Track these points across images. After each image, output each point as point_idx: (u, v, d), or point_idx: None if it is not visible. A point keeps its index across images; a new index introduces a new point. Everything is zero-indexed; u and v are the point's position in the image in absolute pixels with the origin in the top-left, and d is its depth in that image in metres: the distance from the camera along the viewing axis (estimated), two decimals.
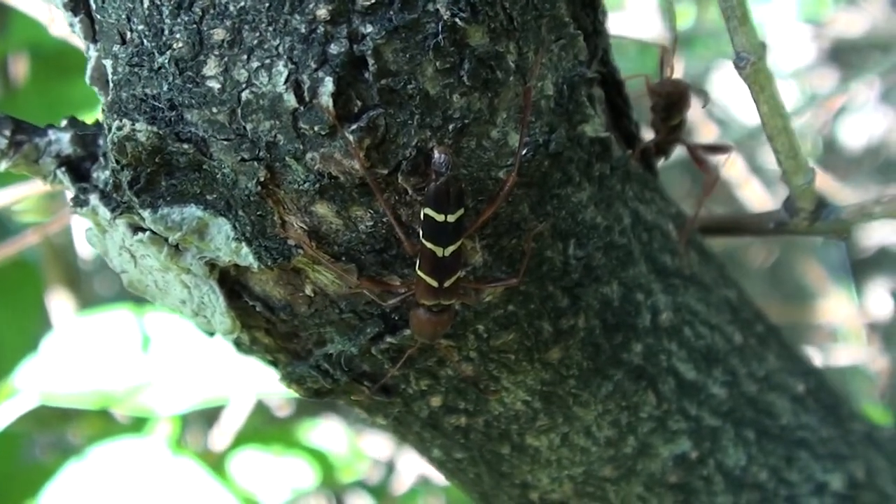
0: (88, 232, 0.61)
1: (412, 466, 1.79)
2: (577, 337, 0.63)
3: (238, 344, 0.64)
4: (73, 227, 1.65)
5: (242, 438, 1.53)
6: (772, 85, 0.59)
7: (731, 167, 1.67)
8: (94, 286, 2.31)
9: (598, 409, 0.66)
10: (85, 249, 1.73)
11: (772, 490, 0.73)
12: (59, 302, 1.60)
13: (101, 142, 0.60)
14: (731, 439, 0.70)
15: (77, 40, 0.57)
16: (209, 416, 1.68)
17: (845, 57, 2.65)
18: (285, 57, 0.48)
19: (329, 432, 1.58)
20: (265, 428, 1.73)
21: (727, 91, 2.39)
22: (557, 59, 0.56)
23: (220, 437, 1.51)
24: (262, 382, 1.38)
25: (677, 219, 0.70)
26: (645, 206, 0.66)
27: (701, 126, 1.75)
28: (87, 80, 0.56)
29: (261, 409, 1.85)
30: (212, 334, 0.65)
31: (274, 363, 0.65)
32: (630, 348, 0.65)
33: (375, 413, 0.67)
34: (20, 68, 1.49)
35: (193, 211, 0.55)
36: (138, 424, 1.40)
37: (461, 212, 0.52)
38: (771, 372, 0.73)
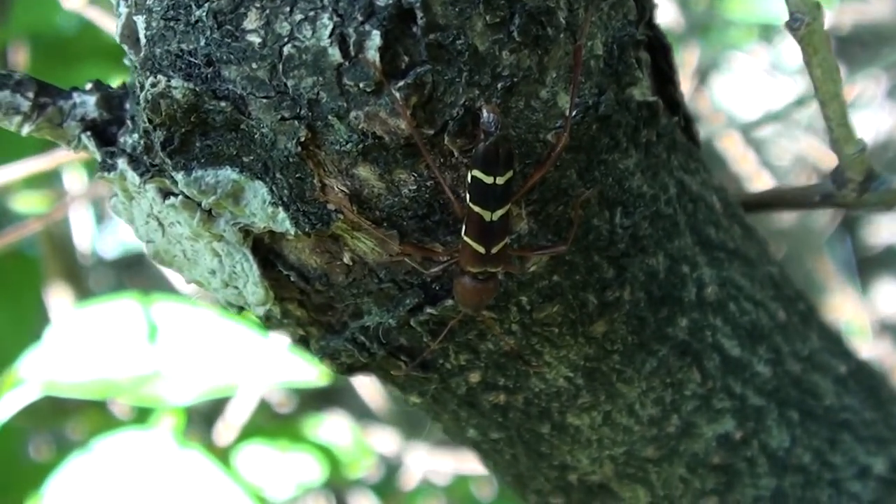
0: (114, 199, 0.59)
1: (419, 463, 1.78)
2: (622, 310, 0.61)
3: (268, 318, 0.62)
4: (73, 220, 1.63)
5: (247, 433, 1.51)
6: (826, 47, 0.58)
7: (743, 161, 1.67)
8: (90, 283, 2.29)
9: (642, 386, 0.64)
10: (84, 243, 1.70)
11: (815, 473, 0.72)
12: (58, 296, 1.58)
13: (127, 105, 0.58)
14: (775, 420, 0.69)
15: (90, 13, 0.56)
16: (211, 412, 1.66)
17: (851, 52, 2.65)
18: (330, 9, 0.47)
19: (334, 427, 1.56)
20: (269, 424, 1.71)
21: (734, 85, 2.39)
22: (607, 17, 0.55)
23: (224, 432, 1.49)
24: (268, 375, 1.37)
25: (720, 191, 0.69)
26: (690, 176, 0.65)
27: (711, 116, 1.74)
28: (117, 38, 0.54)
29: (262, 407, 1.83)
30: (241, 309, 0.63)
31: (304, 339, 0.64)
32: (675, 323, 0.64)
33: (410, 390, 0.65)
34: (20, 57, 1.47)
35: (228, 174, 0.53)
36: (142, 417, 1.38)
37: (510, 174, 0.51)
38: (814, 351, 0.72)
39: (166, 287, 1.53)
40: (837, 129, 0.61)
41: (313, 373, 1.42)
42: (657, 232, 0.62)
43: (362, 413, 1.82)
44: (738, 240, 0.69)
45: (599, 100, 0.55)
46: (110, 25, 1.11)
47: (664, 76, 0.64)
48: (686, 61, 1.70)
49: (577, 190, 0.56)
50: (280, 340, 1.38)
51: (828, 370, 0.73)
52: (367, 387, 1.77)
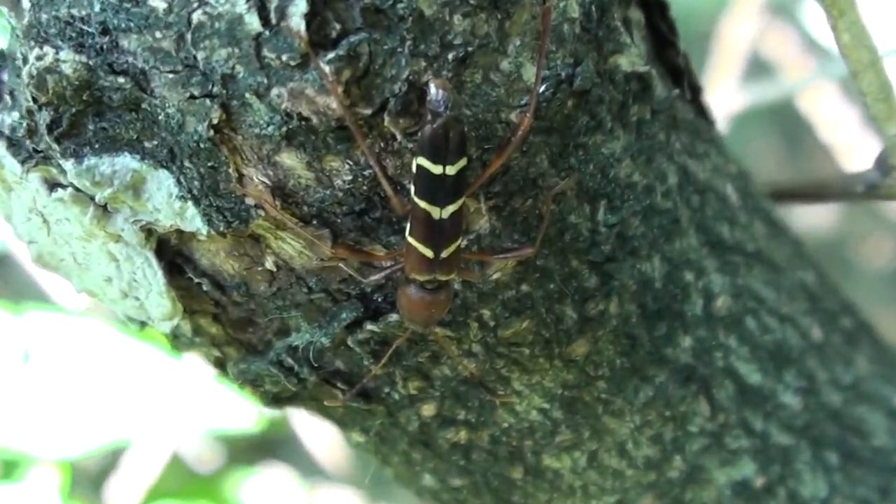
0: None
1: None
2: (608, 326, 0.71)
3: (176, 336, 0.73)
4: None
5: (153, 496, 1.61)
6: (853, 8, 0.68)
7: (838, 125, 1.76)
8: None
9: (636, 420, 0.74)
10: None
11: None
12: None
13: (5, 77, 0.67)
14: (807, 463, 0.79)
15: None
16: (103, 468, 1.76)
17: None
18: None
19: (271, 484, 1.67)
20: (184, 485, 1.81)
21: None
22: None
23: (121, 494, 1.58)
24: (184, 418, 1.47)
25: (739, 179, 0.79)
26: (696, 161, 0.75)
27: (792, 63, 1.84)
28: None
29: (175, 463, 1.93)
30: (143, 325, 0.73)
31: (221, 362, 0.74)
32: (676, 342, 0.74)
33: (351, 426, 0.75)
34: None
35: (128, 161, 0.62)
36: (8, 470, 1.48)
37: (463, 162, 0.59)
38: (861, 379, 0.82)
39: (40, 295, 1.61)
40: (874, 106, 0.71)
41: (246, 413, 1.53)
42: (652, 231, 0.71)
43: (311, 470, 1.93)
44: (760, 240, 0.79)
45: (574, 71, 0.63)
46: None
47: (662, 38, 0.74)
48: None
49: (550, 180, 0.65)
50: (199, 366, 1.48)
51: (879, 402, 0.84)
52: (318, 436, 1.87)
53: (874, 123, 0.73)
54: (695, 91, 0.76)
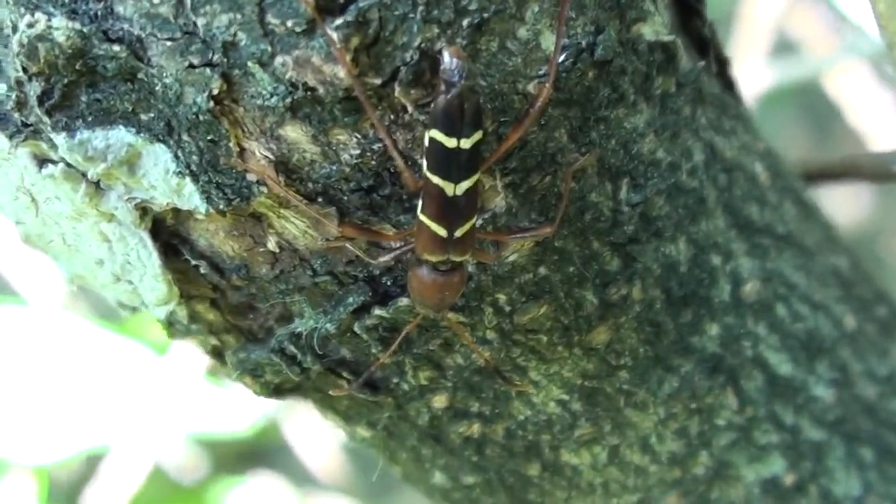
0: None
1: None
2: (630, 313, 0.73)
3: (171, 323, 0.74)
4: None
5: None
6: None
7: (868, 107, 1.77)
8: None
9: (659, 413, 0.76)
10: None
11: None
12: None
13: None
14: (840, 459, 0.81)
15: None
16: (80, 477, 1.77)
17: None
18: None
19: (260, 493, 1.68)
20: (167, 496, 1.83)
21: None
22: None
23: (101, 502, 1.59)
24: (168, 421, 1.48)
25: (769, 158, 0.81)
26: (723, 138, 0.76)
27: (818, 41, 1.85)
28: None
29: (158, 472, 1.94)
30: (135, 311, 0.75)
31: (219, 351, 0.75)
32: (703, 330, 0.75)
33: (357, 420, 0.76)
34: None
35: (122, 135, 0.63)
36: None
37: (478, 136, 0.60)
38: None
39: (9, 290, 1.62)
40: None
41: (235, 417, 1.54)
42: (677, 211, 0.73)
43: (304, 478, 1.94)
44: (790, 222, 0.80)
45: (596, 40, 0.64)
46: None
47: (688, 7, 0.75)
48: None
49: (569, 156, 0.67)
50: (186, 364, 1.49)
51: None
52: (311, 443, 1.89)
53: None
54: (721, 64, 0.78)
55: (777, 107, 2.52)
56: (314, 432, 1.83)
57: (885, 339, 0.85)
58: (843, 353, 0.81)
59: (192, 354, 1.39)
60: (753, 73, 1.72)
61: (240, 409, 1.59)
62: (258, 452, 2.11)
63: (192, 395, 1.55)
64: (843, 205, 2.77)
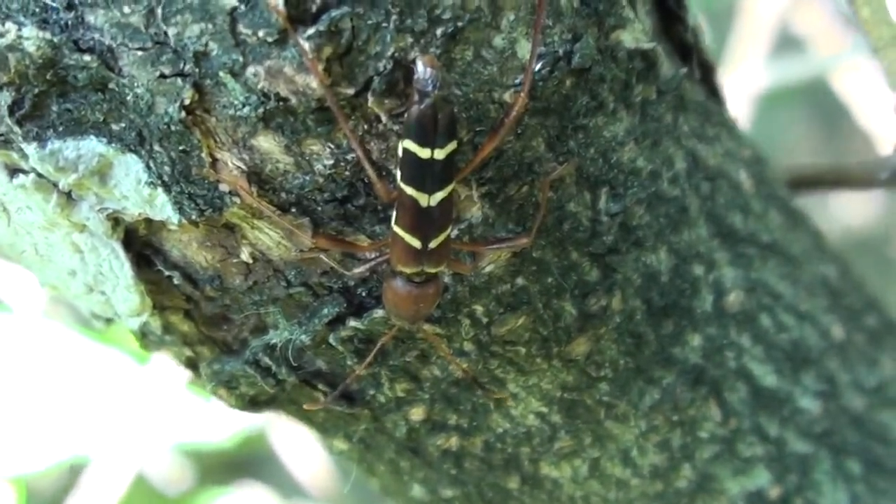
0: None
1: None
2: (610, 324, 0.74)
3: (145, 334, 0.76)
4: None
5: None
6: None
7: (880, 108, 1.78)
8: None
9: (641, 425, 0.77)
10: None
11: None
12: None
13: None
14: (827, 472, 0.82)
15: None
16: (62, 484, 1.78)
17: None
18: None
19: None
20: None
21: None
22: None
23: None
24: (150, 432, 1.50)
25: (754, 165, 0.82)
26: (706, 145, 0.78)
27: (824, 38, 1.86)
28: None
29: (140, 482, 1.96)
30: (109, 322, 0.77)
31: (194, 361, 0.76)
32: (684, 341, 0.77)
33: (333, 432, 0.78)
34: None
35: (94, 145, 0.65)
36: None
37: (453, 146, 0.62)
38: (886, 382, 0.85)
39: None
40: None
41: (220, 427, 1.55)
42: (658, 220, 0.74)
43: (291, 489, 1.96)
44: (776, 230, 0.82)
45: (573, 48, 0.66)
46: None
47: (669, 13, 0.77)
48: None
49: (547, 165, 0.68)
50: (168, 374, 1.50)
51: None
52: (298, 454, 1.90)
53: None
54: (705, 70, 0.80)
55: (785, 106, 2.53)
56: (302, 442, 1.84)
57: (875, 350, 0.87)
58: (830, 364, 0.83)
59: (173, 364, 1.41)
60: (756, 71, 1.74)
61: (223, 418, 1.61)
62: (245, 463, 2.13)
63: (175, 405, 1.56)
64: (854, 207, 2.79)
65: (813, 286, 0.83)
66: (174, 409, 1.57)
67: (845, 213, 2.80)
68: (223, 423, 1.63)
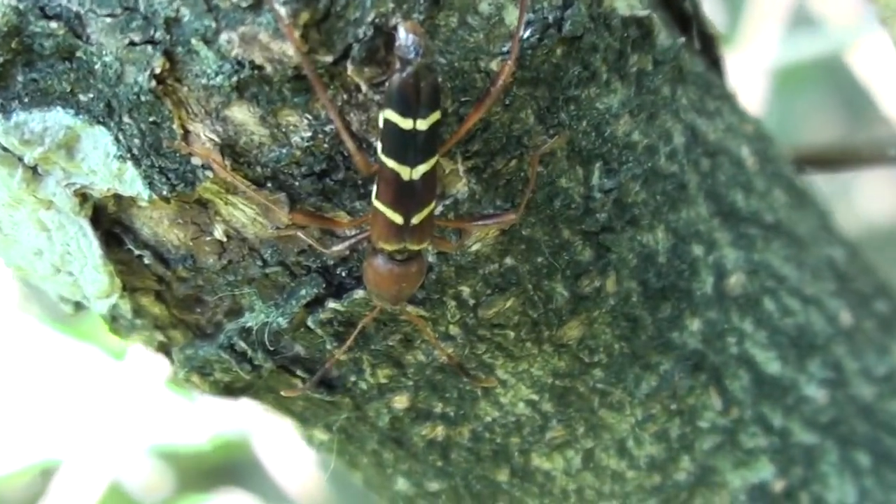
0: None
1: None
2: (604, 306, 0.75)
3: (115, 317, 0.77)
4: None
5: None
6: None
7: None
8: None
9: (637, 414, 0.78)
10: None
11: None
12: None
13: None
14: (833, 464, 0.83)
15: None
16: (32, 491, 1.79)
17: None
18: None
19: None
20: None
21: None
22: None
23: None
24: (125, 434, 1.50)
25: (757, 142, 0.83)
26: (706, 120, 0.79)
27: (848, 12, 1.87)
28: None
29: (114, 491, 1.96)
30: (78, 305, 0.78)
31: (166, 346, 0.77)
32: (683, 325, 0.77)
33: (313, 423, 0.79)
34: None
35: (61, 117, 0.66)
36: None
37: (436, 116, 0.62)
38: None
39: None
40: None
41: (201, 429, 1.55)
42: (654, 198, 0.75)
43: (276, 497, 1.97)
44: (780, 210, 0.83)
45: (564, 15, 0.67)
46: None
47: None
48: None
49: (537, 138, 0.69)
50: (146, 371, 1.51)
51: None
52: (284, 460, 1.91)
53: None
54: (706, 40, 0.81)
55: (804, 90, 2.54)
56: (286, 448, 1.85)
57: (885, 336, 0.88)
58: (837, 351, 0.84)
59: (151, 360, 1.42)
60: (768, 47, 1.74)
61: (204, 419, 1.62)
62: (226, 469, 2.14)
63: (153, 405, 1.57)
64: (880, 194, 2.79)
65: (819, 269, 0.84)
66: (152, 410, 1.58)
67: (870, 200, 2.81)
68: (204, 425, 1.64)
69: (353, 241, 0.69)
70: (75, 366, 1.48)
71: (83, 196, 0.70)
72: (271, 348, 0.74)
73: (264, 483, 2.00)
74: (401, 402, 0.77)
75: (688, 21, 0.79)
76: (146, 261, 0.73)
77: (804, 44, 1.83)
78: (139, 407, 1.52)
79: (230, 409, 1.03)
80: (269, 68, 0.63)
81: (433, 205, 0.67)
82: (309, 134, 0.66)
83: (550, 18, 0.67)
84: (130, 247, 0.73)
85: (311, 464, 1.91)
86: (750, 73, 1.82)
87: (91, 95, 0.66)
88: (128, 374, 1.48)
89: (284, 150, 0.66)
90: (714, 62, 0.81)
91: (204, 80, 0.64)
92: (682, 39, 0.77)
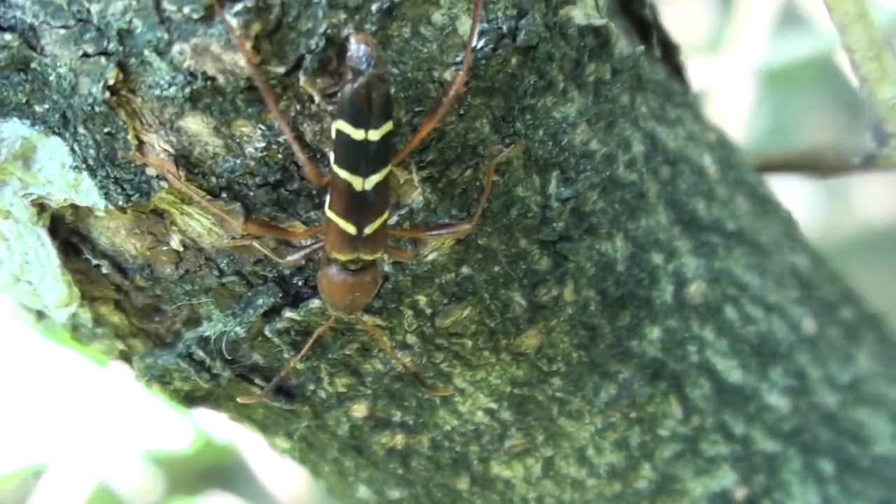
0: None
1: None
2: (562, 315, 0.76)
3: (76, 326, 0.78)
4: None
5: None
6: None
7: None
8: None
9: (597, 423, 0.79)
10: None
11: None
12: None
13: None
14: (796, 472, 0.84)
15: None
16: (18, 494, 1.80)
17: None
18: None
19: None
20: None
21: None
22: None
23: None
24: (111, 438, 1.51)
25: (720, 149, 0.84)
26: (667, 127, 0.79)
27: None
28: None
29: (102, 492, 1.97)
30: (40, 315, 0.79)
31: (127, 355, 0.78)
32: (642, 334, 0.78)
33: (274, 431, 0.80)
34: None
35: (17, 128, 0.67)
36: None
37: (388, 127, 0.63)
38: (861, 378, 0.87)
39: None
40: (865, 65, 0.76)
41: (185, 433, 1.56)
42: (613, 206, 0.76)
43: (265, 501, 1.97)
44: (743, 218, 0.83)
45: (518, 24, 0.68)
46: None
47: None
48: None
49: (492, 147, 0.70)
50: (129, 377, 1.52)
51: (882, 405, 0.88)
52: (272, 464, 1.92)
53: (864, 86, 0.78)
54: (667, 48, 0.81)
55: (800, 87, 2.54)
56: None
57: (850, 344, 0.88)
58: (800, 359, 0.85)
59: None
60: (756, 47, 1.75)
61: (192, 424, 1.63)
62: (216, 473, 2.15)
63: (140, 410, 1.58)
64: (879, 194, 2.80)
65: (783, 277, 0.85)
66: (139, 415, 1.58)
67: (871, 204, 2.82)
68: (191, 430, 1.65)
69: (308, 250, 0.70)
70: (64, 371, 1.49)
71: (41, 206, 0.71)
72: (229, 357, 0.75)
73: (253, 487, 2.00)
74: (360, 410, 0.78)
75: (648, 29, 0.79)
76: (104, 270, 0.74)
77: (796, 44, 1.84)
78: (128, 411, 1.52)
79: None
80: (221, 79, 0.64)
81: (386, 215, 0.68)
82: (263, 144, 0.67)
83: (505, 28, 0.68)
84: (88, 256, 0.73)
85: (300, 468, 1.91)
86: (741, 74, 1.83)
87: (46, 106, 0.67)
88: (117, 378, 1.48)
89: (238, 161, 0.67)
90: (676, 70, 0.82)
91: (157, 91, 0.64)
92: (642, 48, 0.78)
